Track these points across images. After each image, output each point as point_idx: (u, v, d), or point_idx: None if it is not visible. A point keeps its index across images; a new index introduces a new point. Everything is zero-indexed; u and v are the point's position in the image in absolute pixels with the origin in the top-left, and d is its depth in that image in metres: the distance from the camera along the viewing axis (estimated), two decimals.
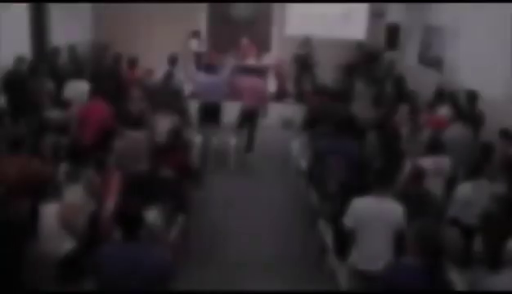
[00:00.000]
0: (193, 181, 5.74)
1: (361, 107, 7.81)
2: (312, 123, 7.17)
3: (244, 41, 11.70)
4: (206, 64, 9.19)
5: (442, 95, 7.75)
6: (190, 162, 5.72)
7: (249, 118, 8.63)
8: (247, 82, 8.71)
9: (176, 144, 5.39)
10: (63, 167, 4.59)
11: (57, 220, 3.76)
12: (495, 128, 6.69)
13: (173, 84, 7.98)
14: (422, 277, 3.04)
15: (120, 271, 3.02)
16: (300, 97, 11.50)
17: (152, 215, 3.76)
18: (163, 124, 6.36)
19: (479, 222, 4.76)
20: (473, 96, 7.03)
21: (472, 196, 4.86)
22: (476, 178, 4.92)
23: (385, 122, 6.25)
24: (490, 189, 4.92)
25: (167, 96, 7.36)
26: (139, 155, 6.35)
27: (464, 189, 4.92)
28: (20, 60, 7.53)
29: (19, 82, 7.14)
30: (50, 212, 3.77)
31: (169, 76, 8.01)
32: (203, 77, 8.41)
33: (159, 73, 8.40)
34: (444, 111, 7.15)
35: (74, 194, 4.21)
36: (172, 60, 8.59)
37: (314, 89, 9.12)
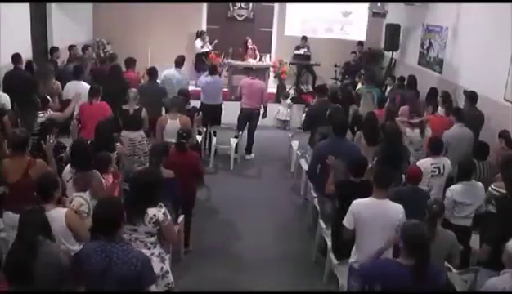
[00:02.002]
0: (197, 181, 5.77)
1: (363, 107, 7.82)
2: (311, 124, 7.17)
3: (250, 41, 11.68)
4: (209, 66, 9.25)
5: (434, 96, 7.79)
6: (200, 163, 5.73)
7: (248, 119, 8.65)
8: (247, 82, 8.72)
9: (186, 146, 5.40)
10: (67, 170, 4.62)
11: (65, 223, 3.79)
12: (494, 129, 6.71)
13: (157, 83, 8.01)
14: (411, 276, 3.10)
15: (96, 270, 3.08)
16: (299, 98, 11.52)
17: (161, 212, 3.78)
18: (173, 125, 6.39)
19: (474, 223, 4.79)
20: (473, 97, 7.03)
21: (461, 197, 4.87)
22: (468, 179, 4.93)
23: (374, 122, 6.24)
24: (482, 190, 4.94)
25: (152, 95, 7.36)
26: (138, 155, 6.40)
27: (453, 191, 4.93)
28: (20, 58, 7.53)
29: (20, 81, 7.14)
30: (58, 215, 3.79)
31: (152, 75, 8.00)
32: (203, 79, 8.47)
33: (160, 73, 8.40)
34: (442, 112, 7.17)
35: (80, 197, 4.23)
36: (177, 62, 8.60)
37: (314, 89, 9.12)
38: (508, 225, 3.95)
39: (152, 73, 8.00)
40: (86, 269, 3.14)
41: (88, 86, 7.18)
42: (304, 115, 8.43)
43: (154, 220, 3.75)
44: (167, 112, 7.06)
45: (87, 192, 4.27)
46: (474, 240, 4.78)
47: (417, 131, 6.37)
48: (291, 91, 11.86)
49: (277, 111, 10.87)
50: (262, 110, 8.78)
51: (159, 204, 3.81)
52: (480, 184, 5.00)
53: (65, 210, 3.88)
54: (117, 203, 3.35)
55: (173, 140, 5.97)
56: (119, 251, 3.10)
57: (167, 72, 8.44)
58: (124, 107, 6.57)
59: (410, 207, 4.15)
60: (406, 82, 9.10)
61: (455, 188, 4.94)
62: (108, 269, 3.06)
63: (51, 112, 6.18)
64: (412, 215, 4.08)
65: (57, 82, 7.53)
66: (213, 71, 8.78)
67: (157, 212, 3.77)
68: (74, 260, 3.26)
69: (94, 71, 8.72)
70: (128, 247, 3.21)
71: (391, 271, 3.21)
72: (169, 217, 3.87)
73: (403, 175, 5.34)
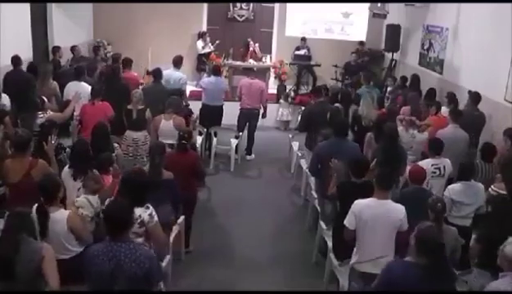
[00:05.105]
0: (198, 181, 5.77)
1: (363, 107, 7.82)
2: (308, 125, 7.16)
3: (251, 43, 11.66)
4: (212, 66, 9.24)
5: (433, 96, 7.80)
6: (200, 165, 5.73)
7: (248, 119, 8.65)
8: (246, 82, 8.72)
9: (186, 147, 5.40)
10: (66, 171, 4.61)
11: (67, 226, 3.80)
12: (494, 129, 6.71)
13: (161, 84, 7.97)
14: (421, 275, 3.15)
15: (105, 271, 3.08)
16: (295, 99, 11.51)
17: (146, 213, 3.77)
18: (167, 125, 6.38)
19: (473, 223, 4.78)
20: (476, 98, 7.01)
21: (459, 197, 4.88)
22: (467, 179, 4.93)
23: (383, 123, 6.23)
24: (483, 190, 4.93)
25: (156, 96, 7.35)
26: (140, 156, 6.40)
27: (451, 189, 4.94)
28: (19, 60, 7.52)
29: (20, 82, 7.13)
30: (60, 217, 3.80)
31: (156, 76, 7.97)
32: (206, 79, 8.46)
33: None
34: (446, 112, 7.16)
35: (86, 199, 4.23)
36: (176, 62, 8.59)
37: (311, 90, 9.13)
38: (503, 226, 3.94)
39: (157, 74, 7.99)
40: (92, 270, 3.13)
41: (88, 87, 7.20)
42: (300, 116, 8.41)
43: (139, 220, 3.75)
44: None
45: (96, 196, 4.27)
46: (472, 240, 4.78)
47: (410, 131, 6.37)
48: (291, 92, 11.85)
49: (280, 113, 10.87)
50: (261, 110, 8.78)
51: (145, 205, 3.80)
52: (480, 184, 5.00)
53: (68, 212, 3.88)
54: (126, 204, 3.33)
55: (168, 141, 5.97)
56: (126, 250, 3.10)
57: (165, 72, 8.43)
58: (129, 107, 6.58)
59: (415, 207, 4.15)
60: (408, 82, 9.12)
61: (454, 187, 4.97)
62: (117, 269, 3.06)
63: (51, 112, 6.18)
64: (417, 215, 4.09)
65: (55, 82, 7.53)
66: (215, 71, 8.76)
67: (142, 213, 3.78)
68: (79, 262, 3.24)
69: (103, 73, 8.68)
70: (135, 246, 3.20)
71: (404, 271, 3.26)
72: (155, 219, 3.87)
73: (400, 177, 5.35)
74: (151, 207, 3.84)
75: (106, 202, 4.02)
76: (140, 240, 3.81)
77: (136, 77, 8.70)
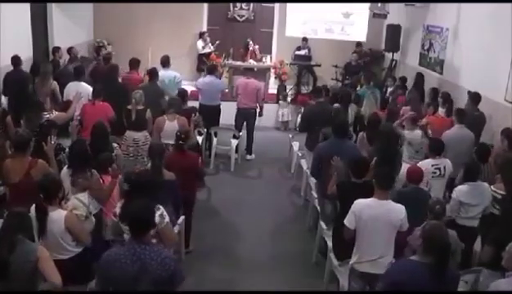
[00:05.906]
0: (198, 181, 5.78)
1: (366, 108, 7.83)
2: (308, 125, 7.16)
3: (251, 43, 11.65)
4: (208, 66, 9.23)
5: (435, 96, 7.81)
6: (200, 163, 5.74)
7: (245, 118, 8.65)
8: (242, 82, 8.72)
9: (183, 147, 5.41)
10: (65, 171, 4.61)
11: (64, 226, 3.81)
12: (494, 130, 6.71)
13: (156, 84, 7.95)
14: (429, 274, 3.14)
15: (128, 274, 3.01)
16: (295, 100, 11.50)
17: (157, 214, 3.77)
18: (171, 126, 6.38)
19: (480, 224, 4.78)
20: (476, 98, 7.01)
21: (467, 198, 4.87)
22: (473, 180, 4.93)
23: (376, 123, 6.22)
24: (489, 190, 4.93)
25: (152, 96, 7.34)
26: (141, 156, 6.40)
27: (459, 191, 4.93)
28: (19, 60, 7.52)
29: (20, 82, 7.14)
30: (58, 217, 3.81)
31: (152, 76, 7.96)
32: (201, 79, 8.46)
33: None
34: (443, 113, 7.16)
35: (77, 199, 4.22)
36: (163, 62, 8.59)
37: (314, 90, 9.13)
38: (508, 227, 3.95)
39: (152, 73, 7.98)
40: (113, 274, 3.05)
41: (88, 87, 7.19)
42: (300, 116, 8.42)
43: None
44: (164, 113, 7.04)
45: (86, 193, 4.26)
46: (478, 241, 4.78)
47: (417, 132, 6.36)
48: (291, 92, 11.84)
49: (281, 113, 10.87)
50: (258, 110, 8.78)
51: (156, 206, 3.78)
52: (486, 184, 4.99)
53: (65, 212, 3.88)
54: (149, 205, 3.29)
55: (171, 142, 5.96)
56: (151, 252, 3.05)
57: (160, 73, 8.41)
58: (129, 107, 6.58)
59: (412, 207, 4.15)
60: (412, 81, 9.12)
61: (461, 188, 4.94)
62: (141, 272, 3.00)
63: (56, 113, 6.17)
64: (414, 215, 4.09)
65: (55, 82, 7.52)
66: (211, 71, 8.77)
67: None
68: (98, 265, 3.19)
69: (93, 71, 8.69)
70: (159, 248, 3.17)
71: (412, 271, 3.24)
72: (166, 219, 3.86)
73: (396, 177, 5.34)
74: (162, 208, 3.83)
75: (119, 204, 4.05)
76: (153, 241, 3.80)
77: (140, 77, 8.70)
